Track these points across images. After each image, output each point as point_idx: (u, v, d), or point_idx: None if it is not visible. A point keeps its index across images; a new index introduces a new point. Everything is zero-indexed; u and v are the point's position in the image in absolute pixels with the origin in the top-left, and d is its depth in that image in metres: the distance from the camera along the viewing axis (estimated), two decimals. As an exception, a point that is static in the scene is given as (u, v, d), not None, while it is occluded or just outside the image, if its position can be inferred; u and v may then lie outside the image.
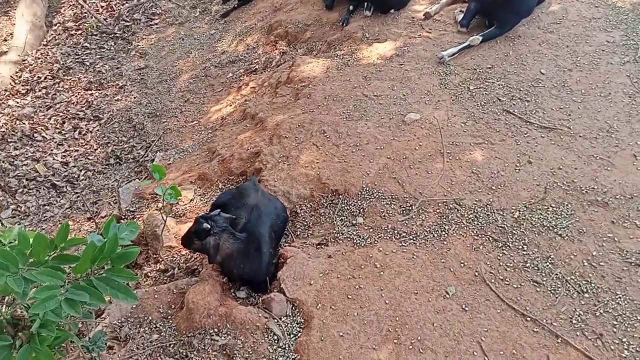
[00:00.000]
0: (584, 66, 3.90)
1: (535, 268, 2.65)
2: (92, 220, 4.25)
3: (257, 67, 5.70)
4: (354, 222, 3.09)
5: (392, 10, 5.04)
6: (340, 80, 4.29)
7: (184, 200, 3.75)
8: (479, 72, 4.04)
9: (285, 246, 3.03)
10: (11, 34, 7.41)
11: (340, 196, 3.25)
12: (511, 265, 2.67)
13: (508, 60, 4.10)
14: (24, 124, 5.71)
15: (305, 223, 3.22)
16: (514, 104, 3.68)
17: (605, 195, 2.94)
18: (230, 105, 5.15)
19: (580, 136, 3.34)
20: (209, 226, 2.62)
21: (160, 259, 3.15)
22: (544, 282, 2.58)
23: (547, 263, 2.66)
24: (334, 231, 3.05)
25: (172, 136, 5.15)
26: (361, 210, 3.14)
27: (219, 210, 2.75)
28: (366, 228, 3.03)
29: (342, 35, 5.12)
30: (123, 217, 4.00)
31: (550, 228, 2.84)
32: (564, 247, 2.73)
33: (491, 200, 3.03)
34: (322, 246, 2.97)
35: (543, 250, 2.72)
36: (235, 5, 6.88)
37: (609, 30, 4.23)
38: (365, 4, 5.15)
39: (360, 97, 4.03)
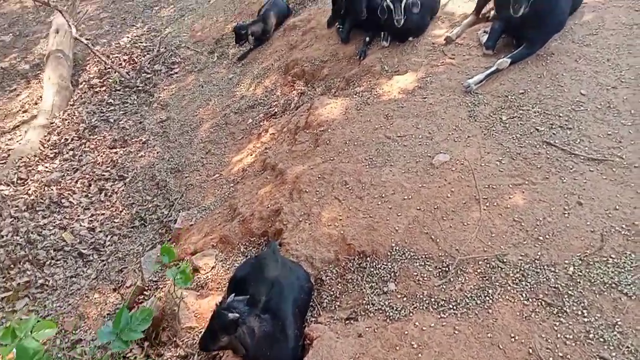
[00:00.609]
0: (630, 81, 3.48)
1: (601, 340, 2.25)
2: (117, 292, 4.11)
3: (276, 110, 5.53)
4: (385, 289, 2.78)
5: (410, 38, 4.76)
6: (360, 122, 4.03)
7: (205, 269, 3.54)
8: (511, 99, 3.68)
9: (311, 322, 2.75)
10: (41, 96, 7.58)
11: (368, 258, 2.95)
12: (571, 337, 2.28)
13: (542, 82, 3.72)
14: (52, 190, 5.73)
15: (332, 292, 2.93)
16: (554, 134, 3.29)
17: (675, 239, 2.52)
18: (251, 155, 4.97)
19: (635, 167, 2.92)
20: (237, 315, 2.35)
21: (180, 343, 2.93)
22: (614, 358, 2.17)
23: (615, 332, 2.26)
24: (364, 301, 2.75)
25: (194, 192, 5.00)
26: (392, 274, 2.83)
27: (233, 295, 2.51)
28: (399, 296, 2.71)
29: (360, 69, 4.88)
30: (146, 287, 3.84)
31: (613, 285, 2.44)
32: (633, 310, 2.32)
33: (539, 254, 2.66)
34: (352, 321, 2.67)
35: (607, 315, 2.32)
36: (252, 47, 6.77)
37: (655, 36, 3.78)
38: (382, 33, 4.90)
39: (382, 139, 3.74)
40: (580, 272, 2.53)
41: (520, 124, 3.46)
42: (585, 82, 3.59)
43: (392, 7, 4.34)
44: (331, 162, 3.73)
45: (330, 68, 5.26)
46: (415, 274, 2.77)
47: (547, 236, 2.72)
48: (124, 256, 4.63)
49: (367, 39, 5.04)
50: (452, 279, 2.68)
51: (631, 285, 2.42)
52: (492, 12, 4.57)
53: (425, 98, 4.01)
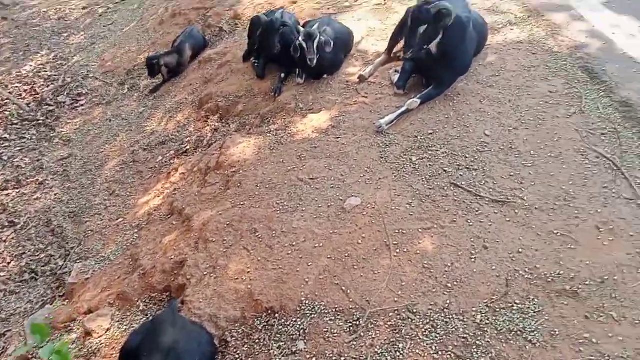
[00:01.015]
0: (529, 123, 3.61)
1: (510, 395, 2.19)
2: (-4, 361, 3.59)
3: (188, 147, 5.25)
4: (294, 348, 2.59)
5: (325, 76, 4.72)
6: (273, 163, 3.87)
7: (99, 332, 3.17)
8: (420, 139, 3.69)
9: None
10: None
11: (277, 315, 2.75)
12: (481, 393, 2.21)
13: (450, 122, 3.78)
14: None
15: (237, 355, 2.68)
16: (461, 175, 3.32)
17: (574, 281, 2.55)
18: (159, 197, 4.64)
19: (536, 208, 2.98)
20: None
21: None
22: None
23: (523, 385, 2.21)
24: (271, 365, 2.54)
25: (94, 240, 4.57)
26: (301, 331, 2.64)
27: None
28: (309, 356, 2.53)
29: (275, 106, 4.76)
30: (31, 356, 3.37)
31: (519, 333, 2.41)
32: (537, 358, 2.29)
33: (448, 302, 2.60)
34: (257, 388, 2.44)
35: (515, 366, 2.28)
36: (165, 79, 6.47)
37: (550, 79, 3.99)
38: (297, 70, 4.81)
39: (295, 181, 3.60)
40: (488, 320, 2.49)
41: (429, 165, 3.47)
42: (489, 124, 3.68)
43: (304, 45, 4.28)
44: (241, 207, 3.52)
45: (245, 104, 5.09)
46: (326, 330, 2.61)
47: (455, 283, 2.68)
48: (9, 317, 4.09)
49: (283, 75, 4.94)
50: (362, 334, 2.54)
51: (535, 332, 2.40)
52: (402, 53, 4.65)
53: (338, 138, 3.94)
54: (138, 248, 3.92)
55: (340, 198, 3.35)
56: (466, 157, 3.45)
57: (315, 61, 4.31)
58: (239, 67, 5.57)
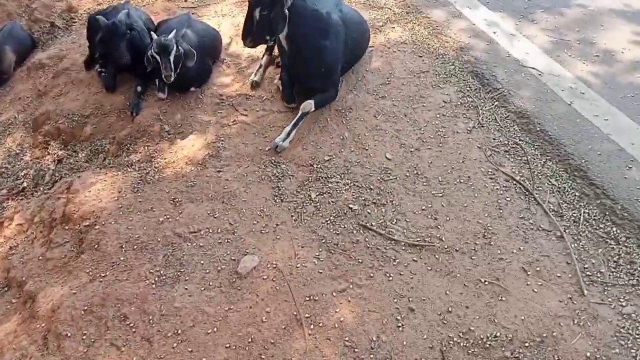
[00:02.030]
0: (430, 141, 3.32)
1: None
2: None
3: (25, 184, 4.14)
4: None
5: (192, 88, 3.96)
6: (140, 211, 3.10)
7: None
8: (317, 168, 3.21)
9: None
10: None
11: None
12: None
13: (346, 145, 3.34)
14: None
15: None
16: (369, 213, 2.91)
17: (512, 344, 2.30)
18: (-10, 259, 3.56)
19: (457, 251, 2.69)
20: None
21: None
22: None
23: None
24: None
25: None
26: None
27: None
28: None
29: (134, 128, 3.90)
30: None
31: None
32: None
33: (381, 389, 2.19)
34: None
35: None
36: (-18, 91, 5.09)
37: (442, 86, 3.75)
38: (157, 82, 3.97)
39: (171, 238, 2.90)
40: (428, 407, 2.14)
41: (332, 201, 3.01)
42: (388, 144, 3.32)
43: (158, 59, 3.48)
44: (103, 281, 2.74)
45: (95, 125, 4.12)
46: None
47: (384, 361, 2.27)
48: None
49: (140, 88, 4.06)
50: None
51: (481, 415, 2.11)
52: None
53: (219, 171, 3.29)
54: (-38, 344, 2.91)
55: (233, 257, 2.74)
56: (371, 189, 3.05)
57: (172, 78, 3.55)
58: (80, 76, 4.51)
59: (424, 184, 3.05)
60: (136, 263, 2.80)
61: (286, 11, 3.10)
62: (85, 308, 2.61)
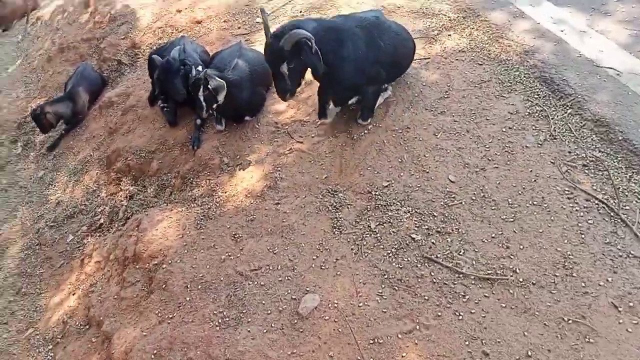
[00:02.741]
0: (497, 159, 3.09)
1: None
2: None
3: (101, 220, 4.40)
4: None
5: (246, 118, 3.99)
6: (203, 248, 3.16)
7: None
8: (375, 195, 3.09)
9: None
10: None
11: None
12: None
13: (405, 168, 3.19)
14: None
15: None
16: (433, 244, 2.75)
17: (603, 393, 2.06)
18: (74, 294, 3.82)
19: (533, 284, 2.47)
20: None
21: None
22: None
23: None
24: None
25: (0, 364, 3.69)
26: None
27: None
28: None
29: (195, 162, 4.00)
30: None
31: None
32: None
33: None
34: None
35: None
36: (63, 132, 5.49)
37: (506, 96, 3.49)
38: (215, 115, 4.04)
39: (233, 277, 2.91)
40: None
41: (393, 231, 2.88)
42: (451, 165, 3.13)
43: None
44: (170, 323, 2.81)
45: (161, 160, 4.28)
46: None
47: (456, 413, 2.12)
48: None
49: (199, 121, 4.16)
50: None
51: None
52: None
53: (278, 204, 3.27)
54: (52, 381, 3.12)
55: (293, 296, 2.70)
56: (434, 216, 2.88)
57: (204, 113, 3.64)
58: (146, 112, 4.72)
59: (493, 208, 2.84)
60: (201, 304, 2.84)
61: (316, 47, 2.84)
62: (155, 352, 2.68)
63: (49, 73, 6.33)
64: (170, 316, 2.86)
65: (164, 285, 3.05)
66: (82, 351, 3.20)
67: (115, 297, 3.31)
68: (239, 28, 5.12)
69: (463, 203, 2.91)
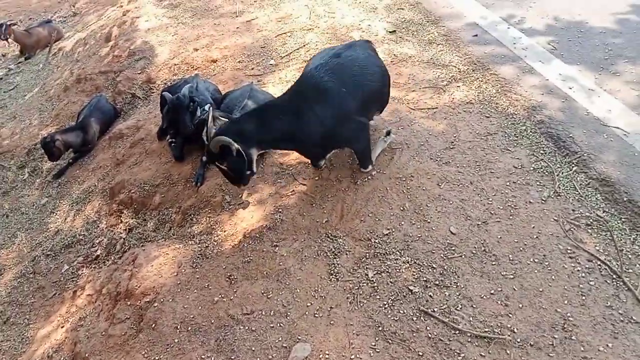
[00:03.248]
0: (499, 213, 3.03)
1: None
2: None
3: (98, 252, 4.36)
4: None
5: (253, 157, 3.99)
6: (196, 288, 3.09)
7: None
8: (375, 243, 3.04)
9: None
10: None
11: None
12: None
13: (407, 217, 3.15)
14: None
15: None
16: (430, 297, 2.67)
17: None
18: (62, 327, 3.72)
19: (531, 345, 2.37)
20: None
21: None
22: None
23: None
24: None
25: (-21, 397, 3.57)
26: None
27: None
28: None
29: (198, 199, 3.98)
30: None
31: None
32: None
33: None
34: None
35: None
36: (70, 161, 5.53)
37: (512, 150, 3.47)
38: (220, 152, 4.05)
39: (224, 320, 2.83)
40: None
41: (391, 282, 2.80)
42: (452, 216, 3.08)
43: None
44: (156, 365, 2.70)
45: (164, 194, 4.28)
46: None
47: None
48: None
49: (204, 158, 4.16)
50: None
51: None
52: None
53: (276, 246, 3.22)
54: (29, 420, 3.00)
55: (284, 345, 2.61)
56: (433, 268, 2.81)
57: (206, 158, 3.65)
58: (153, 146, 4.76)
59: (493, 263, 2.77)
60: (189, 347, 2.75)
61: (237, 148, 2.86)
62: (138, 395, 2.57)
63: (64, 102, 6.46)
64: (157, 358, 2.76)
65: (153, 325, 2.97)
66: (64, 389, 3.08)
67: (103, 333, 3.22)
68: (253, 69, 5.22)
69: (463, 256, 2.84)
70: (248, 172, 3.07)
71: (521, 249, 2.80)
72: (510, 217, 2.99)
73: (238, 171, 3.04)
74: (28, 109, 7.03)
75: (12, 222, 5.25)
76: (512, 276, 2.68)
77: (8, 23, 8.50)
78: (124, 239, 4.25)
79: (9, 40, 8.55)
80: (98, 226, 4.61)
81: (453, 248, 2.90)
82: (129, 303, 3.26)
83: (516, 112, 3.78)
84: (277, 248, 3.20)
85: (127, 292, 3.32)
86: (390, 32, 5.20)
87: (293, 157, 3.92)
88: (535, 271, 2.66)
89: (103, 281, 3.77)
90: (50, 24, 9.07)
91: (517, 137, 3.57)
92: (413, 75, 4.49)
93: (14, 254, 4.84)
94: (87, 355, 3.13)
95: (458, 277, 2.74)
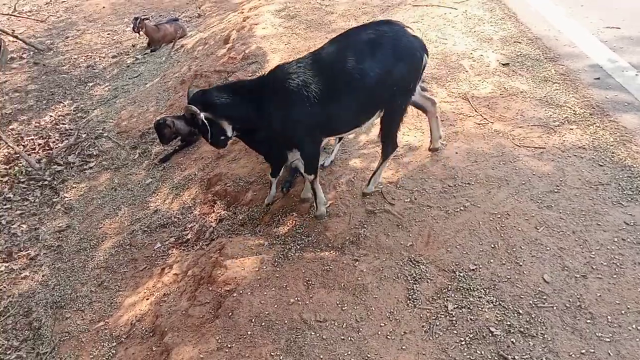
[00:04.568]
0: (602, 269, 2.81)
1: None
2: None
3: (189, 236, 4.63)
4: None
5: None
6: (274, 288, 3.18)
7: None
8: (459, 276, 2.94)
9: None
10: None
11: None
12: None
13: (497, 255, 3.01)
14: None
15: None
16: (512, 343, 2.53)
17: None
18: (147, 300, 3.99)
19: (622, 420, 2.15)
20: None
21: None
22: None
23: None
24: None
25: (68, 347, 3.92)
26: None
27: None
28: None
29: (287, 202, 4.11)
30: None
31: None
32: None
33: None
34: None
35: None
36: (177, 148, 5.96)
37: (625, 205, 3.20)
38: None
39: (297, 322, 2.88)
40: None
41: (471, 319, 2.69)
42: (548, 263, 2.90)
43: None
44: (228, 352, 2.83)
45: (256, 192, 4.46)
46: None
47: None
48: None
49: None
50: None
51: None
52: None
53: (356, 260, 3.23)
54: (108, 377, 3.24)
55: (353, 359, 2.59)
56: (519, 314, 2.66)
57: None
58: (253, 146, 4.97)
59: (588, 321, 2.56)
60: (260, 341, 2.83)
61: (201, 119, 3.13)
62: (207, 377, 2.69)
63: (179, 94, 6.98)
64: (229, 346, 2.87)
65: (230, 314, 3.09)
66: (141, 357, 3.30)
67: (183, 312, 3.41)
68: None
69: (555, 307, 2.66)
70: (222, 138, 3.31)
71: (623, 312, 2.57)
72: (614, 276, 2.76)
73: (207, 136, 3.25)
74: (147, 96, 7.68)
75: (118, 195, 5.73)
76: (608, 339, 2.46)
77: (142, 17, 9.38)
78: (213, 227, 4.49)
79: (141, 32, 9.41)
80: (192, 212, 4.91)
81: (544, 297, 2.72)
82: (210, 288, 3.42)
83: (635, 166, 3.49)
84: (357, 263, 3.21)
85: (210, 278, 3.49)
86: (503, 64, 5.04)
87: (384, 175, 3.91)
88: (637, 339, 2.43)
89: (190, 264, 4.00)
90: (176, 22, 9.87)
91: (632, 192, 3.29)
92: (522, 111, 4.31)
93: (116, 225, 5.28)
94: (166, 329, 3.33)
95: (546, 328, 2.57)
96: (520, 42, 5.55)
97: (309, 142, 3.30)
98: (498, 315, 2.67)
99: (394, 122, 3.34)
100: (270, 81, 3.18)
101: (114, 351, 3.62)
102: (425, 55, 3.16)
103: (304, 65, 3.08)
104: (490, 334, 2.59)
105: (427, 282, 2.96)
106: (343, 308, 2.90)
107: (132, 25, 9.47)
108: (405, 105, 3.31)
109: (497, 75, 4.93)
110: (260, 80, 3.29)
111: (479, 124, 4.23)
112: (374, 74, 2.98)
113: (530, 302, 2.71)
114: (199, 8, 11.41)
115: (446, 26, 6.13)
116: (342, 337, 2.73)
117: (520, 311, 2.67)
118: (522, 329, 2.58)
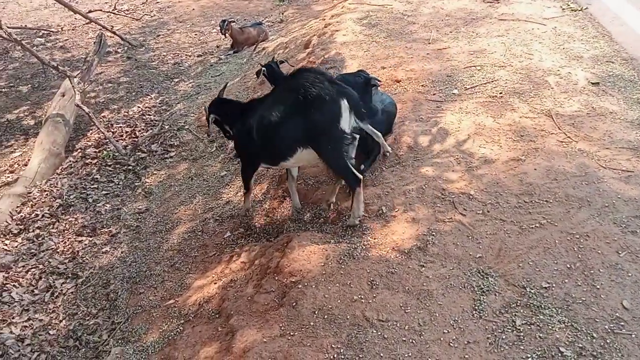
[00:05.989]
0: (690, 305, 2.62)
1: None
2: None
3: (258, 228, 4.80)
4: None
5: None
6: (338, 283, 3.24)
7: None
8: (530, 293, 2.86)
9: None
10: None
11: None
12: None
13: (573, 276, 2.90)
14: (-3, 277, 5.00)
15: None
16: (584, 367, 2.42)
17: None
18: (215, 284, 4.18)
19: None
20: None
21: None
22: None
23: None
24: None
25: (140, 319, 4.19)
26: None
27: None
28: None
29: (355, 203, 4.14)
30: None
31: None
32: None
33: None
34: None
35: None
36: (251, 144, 6.19)
37: None
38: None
39: (359, 319, 2.92)
40: None
41: (540, 337, 2.61)
42: (629, 289, 2.75)
43: None
44: (290, 340, 2.91)
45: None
46: None
47: None
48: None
49: (362, 166, 4.33)
50: None
51: None
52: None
53: (422, 266, 3.22)
54: (176, 351, 3.44)
55: (413, 361, 2.60)
56: (593, 338, 2.55)
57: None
58: (326, 147, 5.08)
59: (670, 353, 2.41)
60: (322, 333, 2.89)
61: (214, 117, 4.65)
62: (270, 358, 2.79)
63: (258, 94, 7.25)
64: (292, 334, 2.96)
65: (294, 304, 3.19)
66: (207, 335, 3.47)
67: (249, 298, 3.55)
68: (434, 94, 5.28)
69: (633, 336, 2.52)
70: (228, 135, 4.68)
71: None
72: (702, 314, 2.57)
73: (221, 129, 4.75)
74: (227, 94, 8.02)
75: (194, 184, 6.05)
76: (691, 376, 2.30)
77: (229, 20, 9.85)
78: (281, 222, 4.62)
79: (227, 34, 9.88)
80: (262, 206, 5.09)
81: (622, 324, 2.59)
82: (276, 278, 3.54)
83: None
84: (423, 268, 3.20)
85: (277, 268, 3.61)
86: (592, 83, 4.83)
87: (457, 185, 3.88)
88: None
89: (257, 254, 4.16)
90: (260, 26, 10.28)
91: None
92: (610, 133, 4.11)
93: (190, 211, 5.58)
94: (231, 312, 3.48)
95: (622, 356, 2.44)
96: (613, 62, 5.29)
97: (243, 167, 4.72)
98: (569, 336, 2.57)
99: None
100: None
101: (181, 328, 3.82)
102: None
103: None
104: (560, 354, 2.50)
105: (495, 295, 2.90)
106: (406, 310, 2.91)
107: (219, 27, 9.95)
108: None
109: (585, 94, 4.73)
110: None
111: (562, 141, 4.08)
112: None
113: (607, 327, 2.59)
114: (282, 14, 11.79)
115: (533, 41, 5.96)
116: (404, 339, 2.73)
117: (595, 335, 2.56)
118: (594, 353, 2.47)
